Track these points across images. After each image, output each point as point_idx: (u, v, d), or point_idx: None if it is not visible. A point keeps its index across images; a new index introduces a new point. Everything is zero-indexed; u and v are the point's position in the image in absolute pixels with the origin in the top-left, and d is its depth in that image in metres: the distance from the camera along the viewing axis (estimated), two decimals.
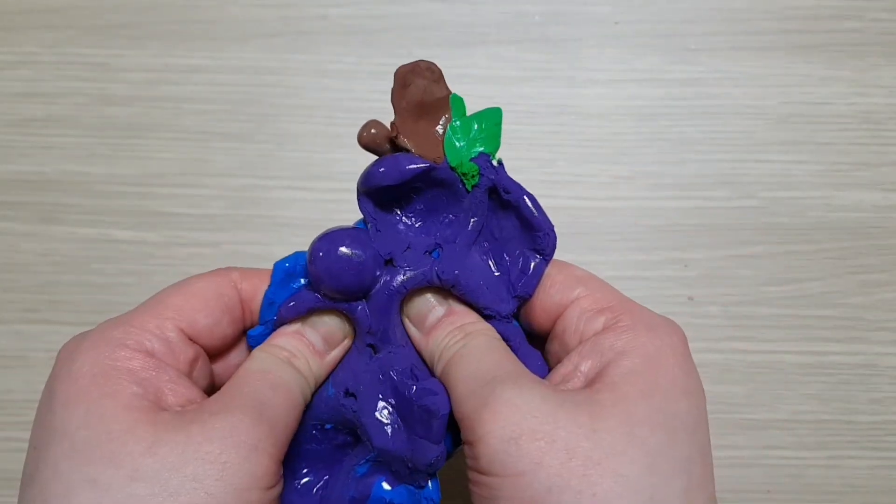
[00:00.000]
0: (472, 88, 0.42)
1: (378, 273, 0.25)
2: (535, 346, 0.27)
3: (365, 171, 0.25)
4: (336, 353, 0.26)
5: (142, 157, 0.41)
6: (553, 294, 0.25)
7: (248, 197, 0.41)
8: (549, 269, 0.26)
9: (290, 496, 0.26)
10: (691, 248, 0.40)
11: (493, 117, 0.26)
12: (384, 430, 0.25)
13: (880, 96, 0.41)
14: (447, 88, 0.25)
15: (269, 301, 0.26)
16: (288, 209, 0.40)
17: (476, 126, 0.25)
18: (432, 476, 0.25)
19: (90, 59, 0.42)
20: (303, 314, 0.26)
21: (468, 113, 0.26)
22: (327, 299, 0.25)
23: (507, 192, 0.25)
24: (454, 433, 0.25)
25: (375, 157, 0.25)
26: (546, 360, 0.26)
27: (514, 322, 0.27)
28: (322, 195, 0.40)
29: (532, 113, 0.41)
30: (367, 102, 0.41)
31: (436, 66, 0.25)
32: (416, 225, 0.26)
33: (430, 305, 0.26)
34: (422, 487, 0.25)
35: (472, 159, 0.25)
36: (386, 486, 0.25)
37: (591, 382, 0.22)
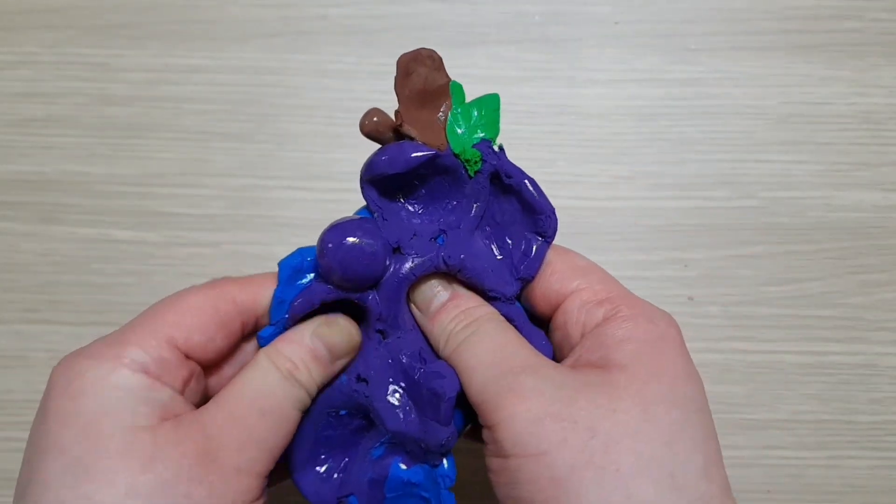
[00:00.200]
0: (472, 88, 0.41)
1: (388, 261, 0.25)
2: (538, 326, 0.27)
3: (368, 159, 0.25)
4: (342, 362, 0.26)
5: (142, 157, 0.41)
6: (553, 282, 0.26)
7: (248, 197, 0.41)
8: (551, 257, 0.26)
9: (313, 483, 0.27)
10: (691, 248, 0.40)
11: (491, 103, 0.26)
12: (396, 413, 0.25)
13: (880, 96, 0.41)
14: (447, 76, 0.25)
15: (278, 300, 0.26)
16: (288, 209, 0.40)
17: (476, 113, 0.26)
18: (446, 455, 0.26)
19: (90, 59, 0.42)
20: (316, 306, 0.26)
21: (467, 100, 0.26)
22: (339, 290, 0.25)
23: (509, 177, 0.26)
24: (465, 413, 0.25)
25: (377, 146, 0.26)
26: (549, 340, 0.27)
27: (517, 304, 0.27)
28: (322, 195, 0.40)
29: (532, 113, 0.41)
30: (367, 102, 0.40)
31: (436, 53, 0.25)
32: (420, 212, 0.27)
33: (434, 291, 0.26)
34: (436, 466, 0.26)
35: (474, 145, 0.26)
36: (402, 466, 0.25)
37: (597, 366, 0.23)
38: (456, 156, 0.25)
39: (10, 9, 0.42)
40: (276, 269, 0.26)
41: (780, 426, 0.39)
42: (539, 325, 0.27)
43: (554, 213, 0.26)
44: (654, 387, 0.22)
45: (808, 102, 0.41)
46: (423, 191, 0.26)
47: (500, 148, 0.26)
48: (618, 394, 0.22)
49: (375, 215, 0.26)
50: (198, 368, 0.25)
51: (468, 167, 0.26)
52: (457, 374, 0.24)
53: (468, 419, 0.26)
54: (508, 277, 0.26)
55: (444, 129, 0.25)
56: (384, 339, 0.26)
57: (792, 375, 0.40)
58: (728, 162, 0.41)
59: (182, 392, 0.24)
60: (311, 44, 0.42)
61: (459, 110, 0.25)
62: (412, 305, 0.26)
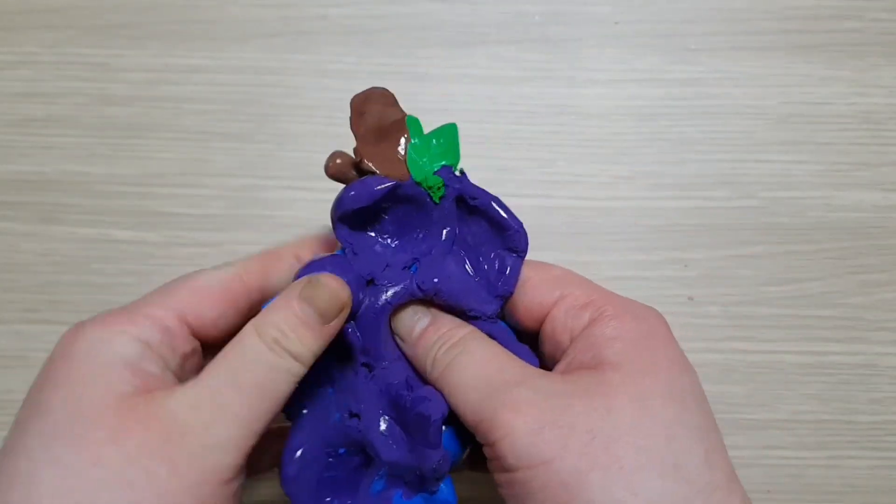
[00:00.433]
0: (472, 88, 0.42)
1: (361, 295, 0.26)
2: (525, 342, 0.27)
3: (336, 198, 0.26)
4: (333, 326, 0.25)
5: (142, 157, 0.41)
6: (535, 296, 0.26)
7: (248, 197, 0.41)
8: (528, 272, 0.27)
9: None
10: (691, 248, 0.40)
11: (449, 132, 0.27)
12: (389, 444, 0.25)
13: (880, 96, 0.41)
14: (402, 111, 0.26)
15: None
16: (288, 209, 0.40)
17: (434, 142, 0.26)
18: (441, 479, 0.26)
19: (90, 59, 0.42)
20: None
21: (425, 132, 0.27)
22: None
23: (474, 199, 0.26)
24: (462, 439, 0.26)
25: (343, 186, 0.26)
26: (539, 355, 0.27)
27: (500, 322, 0.27)
28: (322, 195, 0.40)
29: (532, 113, 0.41)
30: None
31: (388, 91, 0.26)
32: (393, 244, 0.27)
33: (414, 318, 0.26)
34: (434, 493, 0.26)
35: (435, 172, 0.26)
36: (403, 498, 0.26)
37: (589, 367, 0.23)
38: (418, 184, 0.26)
39: (10, 9, 0.42)
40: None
41: (780, 426, 0.39)
42: (527, 341, 0.27)
43: (522, 228, 0.27)
44: (648, 382, 0.22)
45: (808, 102, 0.41)
46: (393, 223, 0.27)
47: (462, 172, 0.27)
48: (612, 392, 0.22)
49: (346, 251, 0.26)
50: (199, 347, 0.25)
51: (432, 194, 0.26)
52: (444, 397, 0.24)
53: (465, 443, 0.26)
54: (486, 296, 0.27)
55: (405, 160, 0.26)
56: (370, 371, 0.27)
57: (792, 375, 0.40)
58: (728, 162, 0.41)
59: (181, 366, 0.24)
60: (311, 44, 0.42)
61: (417, 141, 0.26)
62: (396, 335, 0.26)
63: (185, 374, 0.25)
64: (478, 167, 0.41)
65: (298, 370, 0.24)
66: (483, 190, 0.27)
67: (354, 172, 0.26)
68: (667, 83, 0.41)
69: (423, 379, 0.26)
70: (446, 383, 0.24)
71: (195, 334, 0.25)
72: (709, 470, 0.21)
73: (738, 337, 0.40)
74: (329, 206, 0.38)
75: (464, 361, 0.24)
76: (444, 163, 0.26)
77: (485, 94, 0.41)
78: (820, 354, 0.40)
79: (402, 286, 0.26)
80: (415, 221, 0.27)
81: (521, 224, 0.27)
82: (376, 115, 0.26)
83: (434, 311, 0.26)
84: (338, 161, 0.26)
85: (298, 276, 0.25)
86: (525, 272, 0.27)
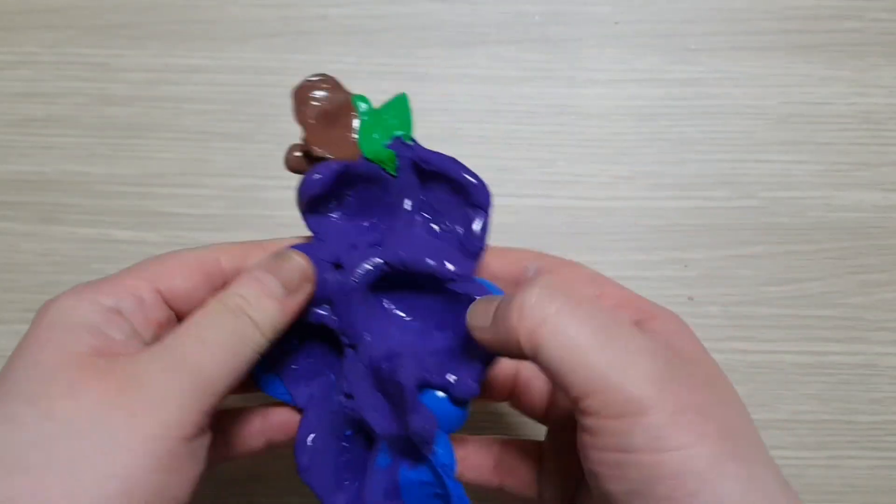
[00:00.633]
0: (472, 88, 0.42)
1: (331, 278, 0.26)
2: None
3: (297, 190, 0.26)
4: (297, 299, 0.25)
5: (142, 157, 0.41)
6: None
7: (248, 197, 0.41)
8: (562, 270, 0.27)
9: (337, 503, 0.27)
10: (691, 248, 0.40)
11: (399, 104, 0.27)
12: (378, 418, 0.26)
13: (880, 96, 0.41)
14: (347, 92, 0.26)
15: None
16: (288, 209, 0.40)
17: (386, 115, 0.27)
18: (431, 443, 0.25)
19: (90, 59, 0.42)
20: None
21: (376, 106, 0.27)
22: None
23: (429, 163, 0.26)
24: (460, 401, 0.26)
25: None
26: None
27: (477, 279, 0.27)
28: None
29: (532, 113, 0.41)
30: None
31: (329, 75, 0.26)
32: (361, 223, 0.28)
33: (491, 303, 0.24)
34: (431, 455, 0.25)
35: (386, 145, 0.26)
36: (409, 469, 0.26)
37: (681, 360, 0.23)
38: (371, 160, 0.26)
39: (10, 9, 0.42)
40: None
41: (780, 426, 0.39)
42: None
43: (482, 182, 0.26)
44: (722, 377, 0.23)
45: (808, 102, 0.41)
46: (358, 203, 0.27)
47: (413, 140, 0.27)
48: (712, 384, 0.22)
49: (315, 237, 0.27)
50: (175, 317, 0.26)
51: (387, 168, 0.27)
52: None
53: (464, 404, 0.26)
54: (458, 257, 0.27)
55: (356, 139, 0.26)
56: (355, 351, 0.27)
57: (792, 375, 0.40)
58: (728, 162, 0.41)
59: (156, 335, 0.24)
60: (311, 44, 0.42)
61: (367, 118, 0.26)
62: (474, 331, 0.24)
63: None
64: (478, 167, 0.41)
65: (259, 339, 0.24)
66: (437, 153, 0.26)
67: (307, 163, 0.26)
68: (667, 83, 0.41)
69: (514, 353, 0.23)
70: (549, 341, 0.21)
71: (169, 305, 0.25)
72: (768, 457, 0.22)
73: (738, 337, 0.40)
74: None
75: (573, 317, 0.21)
76: (395, 134, 0.26)
77: (485, 94, 0.41)
78: (820, 354, 0.40)
79: (369, 264, 0.26)
80: (378, 199, 0.27)
81: (480, 179, 0.26)
82: (320, 100, 0.26)
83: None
84: (296, 154, 0.26)
85: None
86: (559, 270, 0.26)
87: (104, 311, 0.23)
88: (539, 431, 0.31)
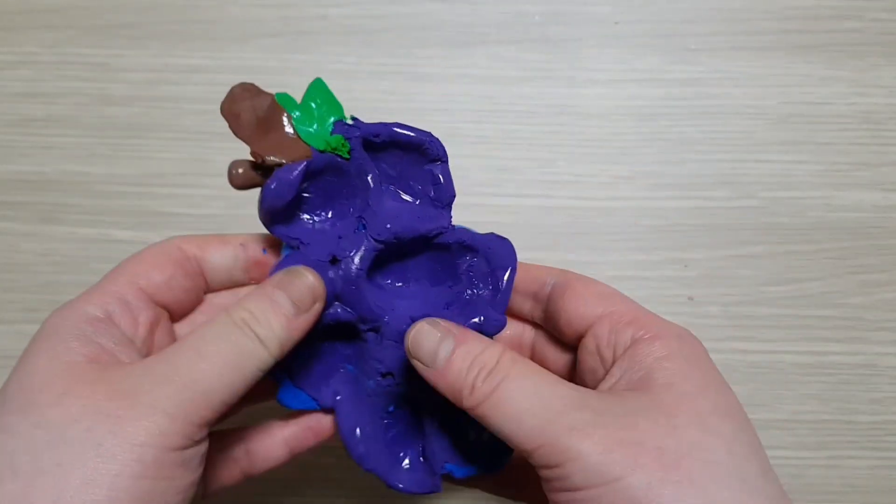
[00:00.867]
0: (472, 88, 0.42)
1: (331, 274, 0.26)
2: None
3: (259, 203, 0.26)
4: (307, 318, 0.25)
5: (142, 157, 0.41)
6: (578, 309, 0.27)
7: (248, 197, 0.40)
8: (574, 284, 0.27)
9: (406, 478, 0.28)
10: (691, 248, 0.40)
11: (319, 89, 0.27)
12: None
13: (880, 96, 0.41)
14: (268, 94, 0.26)
15: None
16: None
17: (313, 104, 0.27)
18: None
19: (90, 59, 0.42)
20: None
21: (298, 100, 0.27)
22: None
23: (377, 136, 0.27)
24: (490, 456, 0.27)
25: (259, 191, 0.26)
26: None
27: (456, 227, 0.28)
28: None
29: (532, 113, 0.41)
30: (366, 102, 0.41)
31: (247, 83, 0.26)
32: (330, 216, 0.28)
33: (434, 340, 0.25)
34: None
35: (332, 133, 0.27)
36: (454, 467, 0.27)
37: (641, 386, 0.24)
38: (324, 151, 0.26)
39: (10, 9, 0.42)
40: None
41: (780, 426, 0.39)
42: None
43: (433, 136, 0.27)
44: (702, 401, 0.23)
45: (808, 102, 0.41)
46: (320, 197, 0.27)
47: (353, 118, 0.27)
48: (673, 411, 0.22)
49: (293, 245, 0.27)
50: (165, 314, 0.26)
51: (340, 153, 0.27)
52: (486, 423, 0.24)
53: (488, 464, 0.27)
54: (435, 212, 0.28)
55: (298, 137, 0.26)
56: (378, 333, 0.27)
57: (792, 375, 0.40)
58: (728, 162, 0.41)
59: (150, 335, 0.25)
60: (311, 44, 0.42)
61: (297, 113, 0.26)
62: (414, 361, 0.26)
63: (159, 342, 0.26)
64: (478, 167, 0.41)
65: (263, 356, 0.24)
66: (381, 123, 0.27)
67: (259, 174, 0.26)
68: (667, 83, 0.41)
69: (455, 403, 0.25)
70: (492, 412, 0.24)
71: (156, 301, 0.26)
72: (767, 483, 0.22)
73: (738, 337, 0.40)
74: None
75: (511, 388, 0.23)
76: (332, 119, 0.27)
77: (485, 94, 0.41)
78: (820, 354, 0.40)
79: (363, 248, 0.27)
80: (339, 185, 0.27)
81: (429, 134, 0.27)
82: (249, 110, 0.26)
83: (455, 330, 0.25)
84: (240, 171, 0.26)
85: (272, 273, 0.26)
86: (574, 285, 0.27)
87: (93, 320, 0.24)
88: None
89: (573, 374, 0.28)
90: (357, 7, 0.42)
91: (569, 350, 0.28)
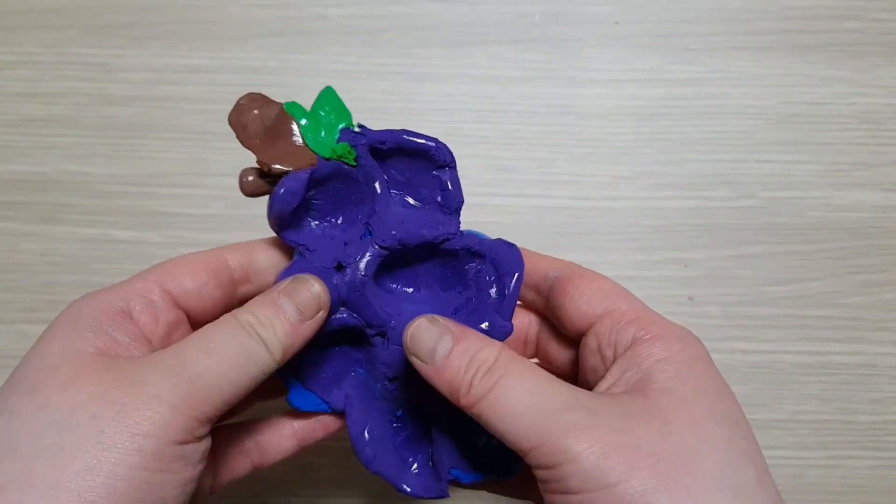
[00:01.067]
0: (472, 88, 0.42)
1: (335, 281, 0.27)
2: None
3: (267, 210, 0.26)
4: (311, 326, 0.26)
5: (142, 157, 0.41)
6: (581, 306, 0.27)
7: (247, 198, 0.41)
8: (579, 282, 0.27)
9: (415, 482, 0.28)
10: (691, 248, 0.40)
11: (329, 97, 0.27)
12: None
13: (880, 96, 0.41)
14: (277, 103, 0.27)
15: None
16: None
17: (322, 113, 0.27)
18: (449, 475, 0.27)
19: (90, 59, 0.42)
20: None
21: (308, 107, 0.27)
22: None
23: (384, 143, 0.27)
24: (500, 463, 0.27)
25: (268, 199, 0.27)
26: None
27: (464, 232, 0.28)
28: None
29: (532, 113, 0.41)
30: (367, 102, 0.41)
31: (256, 93, 0.26)
32: (339, 222, 0.28)
33: (432, 338, 0.25)
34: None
35: (338, 140, 0.27)
36: (461, 473, 0.27)
37: (639, 388, 0.24)
38: (329, 159, 0.27)
39: (10, 9, 0.42)
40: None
41: (780, 426, 0.39)
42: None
43: (440, 142, 0.27)
44: (699, 406, 0.23)
45: (808, 102, 0.41)
46: (329, 203, 0.28)
47: (360, 126, 0.27)
48: (669, 416, 0.22)
49: (301, 251, 0.27)
50: (185, 318, 0.26)
51: (347, 160, 0.27)
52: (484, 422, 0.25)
53: (493, 470, 0.27)
54: (443, 218, 0.28)
55: (307, 145, 0.27)
56: (385, 337, 0.28)
57: (792, 375, 0.40)
58: (728, 162, 0.41)
59: (167, 336, 0.25)
60: (311, 44, 0.42)
61: (306, 121, 0.27)
62: (412, 357, 0.26)
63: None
64: (478, 167, 0.41)
65: (266, 359, 0.24)
66: (388, 131, 0.27)
67: (267, 184, 0.27)
68: (667, 83, 0.41)
69: (451, 400, 0.25)
70: (489, 408, 0.24)
71: (179, 305, 0.26)
72: (762, 490, 0.22)
73: (738, 337, 0.40)
74: None
75: (508, 385, 0.23)
76: (340, 126, 0.27)
77: (485, 94, 0.41)
78: (820, 354, 0.40)
79: (368, 254, 0.27)
80: (348, 192, 0.28)
81: (436, 140, 0.27)
82: (256, 120, 0.26)
83: (453, 327, 0.25)
84: (249, 178, 0.27)
85: (279, 279, 0.26)
86: (577, 280, 0.27)
87: (112, 313, 0.24)
88: None
89: (576, 370, 0.28)
90: (357, 7, 0.42)
91: (573, 345, 0.28)
